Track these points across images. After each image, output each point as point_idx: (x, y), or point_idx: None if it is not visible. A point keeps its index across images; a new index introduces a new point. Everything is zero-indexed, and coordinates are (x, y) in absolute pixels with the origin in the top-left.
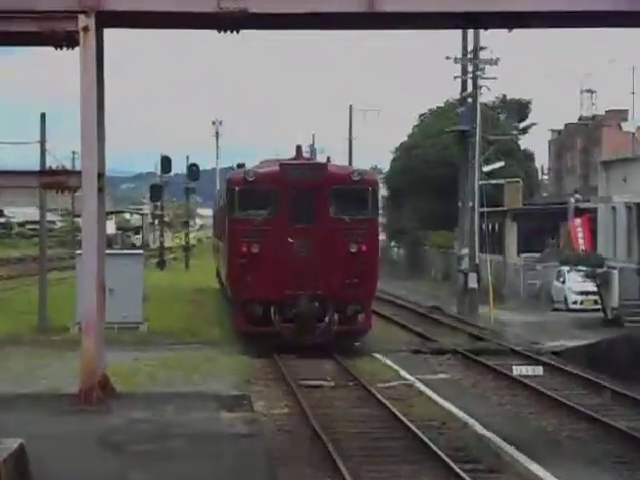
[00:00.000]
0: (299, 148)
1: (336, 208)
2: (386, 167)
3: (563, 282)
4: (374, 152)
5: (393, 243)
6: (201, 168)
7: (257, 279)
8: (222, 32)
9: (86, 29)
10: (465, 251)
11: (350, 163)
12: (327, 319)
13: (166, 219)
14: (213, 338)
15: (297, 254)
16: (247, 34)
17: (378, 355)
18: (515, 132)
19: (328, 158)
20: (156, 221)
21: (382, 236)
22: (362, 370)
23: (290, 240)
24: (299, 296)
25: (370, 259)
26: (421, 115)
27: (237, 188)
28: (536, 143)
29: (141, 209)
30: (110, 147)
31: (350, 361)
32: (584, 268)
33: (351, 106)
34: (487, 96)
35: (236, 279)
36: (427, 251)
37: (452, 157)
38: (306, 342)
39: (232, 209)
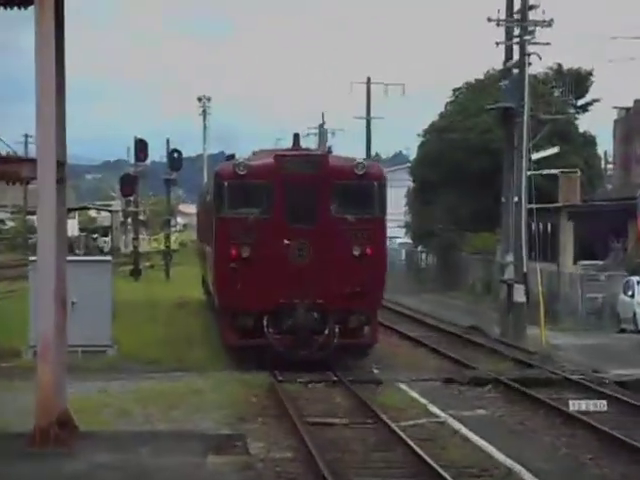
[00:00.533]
0: (297, 137)
1: (338, 206)
2: (413, 153)
3: (632, 296)
4: (398, 135)
5: (420, 247)
6: (184, 155)
7: (248, 286)
8: None
9: None
10: (510, 258)
11: (368, 148)
12: (327, 331)
13: (141, 217)
14: (199, 364)
15: (293, 258)
16: None
17: (402, 385)
18: (572, 110)
19: (329, 148)
20: (129, 220)
21: (407, 239)
22: (383, 404)
23: (286, 242)
24: (295, 305)
25: (376, 264)
26: (456, 90)
27: (226, 183)
28: (598, 124)
29: (110, 205)
30: (72, 129)
31: (368, 392)
32: None
33: (369, 78)
34: (537, 66)
35: (224, 286)
36: (463, 257)
37: (494, 141)
38: (302, 357)
39: (220, 207)
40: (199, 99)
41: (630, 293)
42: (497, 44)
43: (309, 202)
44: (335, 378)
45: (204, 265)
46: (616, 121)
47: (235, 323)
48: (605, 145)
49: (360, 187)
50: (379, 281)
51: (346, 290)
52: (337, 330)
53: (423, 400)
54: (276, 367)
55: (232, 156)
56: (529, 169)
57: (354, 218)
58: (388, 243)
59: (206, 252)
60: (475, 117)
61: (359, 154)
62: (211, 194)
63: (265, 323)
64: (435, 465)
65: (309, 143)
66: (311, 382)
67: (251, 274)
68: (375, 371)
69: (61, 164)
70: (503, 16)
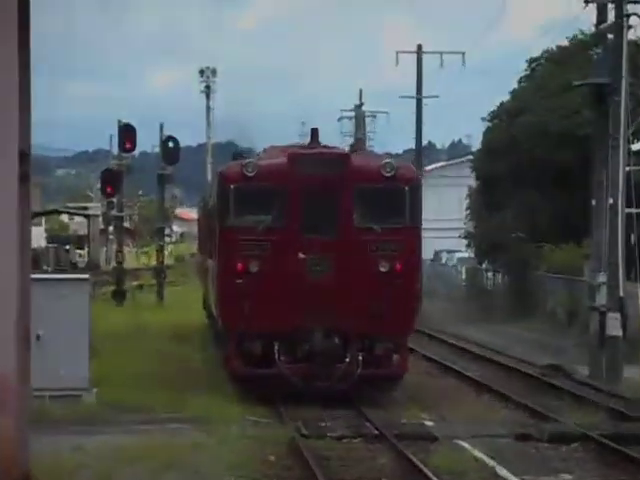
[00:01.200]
0: (315, 132)
1: (362, 214)
2: (476, 142)
3: None
4: (457, 119)
5: (486, 264)
6: (183, 144)
7: (256, 306)
8: None
9: None
10: (602, 278)
11: (419, 136)
12: (348, 359)
13: (127, 224)
14: (202, 412)
15: (310, 274)
16: None
17: (463, 442)
18: None
19: (355, 144)
20: (111, 227)
21: (469, 254)
22: (438, 466)
23: (301, 255)
24: (312, 329)
25: (407, 282)
26: (532, 61)
27: (232, 186)
28: None
29: (87, 208)
30: (38, 113)
31: (418, 450)
32: None
33: (420, 46)
34: (639, 30)
35: (229, 305)
36: (540, 277)
37: (582, 127)
38: (320, 389)
39: (225, 214)
40: (201, 72)
41: None
42: (586, 2)
43: (328, 209)
44: (377, 432)
45: (206, 282)
46: None
47: (241, 349)
48: None
49: (388, 191)
50: (410, 301)
51: (371, 312)
52: (360, 358)
53: (490, 462)
54: (287, 402)
55: (240, 154)
56: (628, 163)
57: (381, 228)
58: (445, 258)
59: (208, 266)
60: (557, 96)
61: (407, 144)
62: (215, 199)
63: (276, 349)
64: None
65: (344, 129)
66: (345, 437)
67: (260, 292)
68: (427, 423)
69: (25, 155)
70: None
